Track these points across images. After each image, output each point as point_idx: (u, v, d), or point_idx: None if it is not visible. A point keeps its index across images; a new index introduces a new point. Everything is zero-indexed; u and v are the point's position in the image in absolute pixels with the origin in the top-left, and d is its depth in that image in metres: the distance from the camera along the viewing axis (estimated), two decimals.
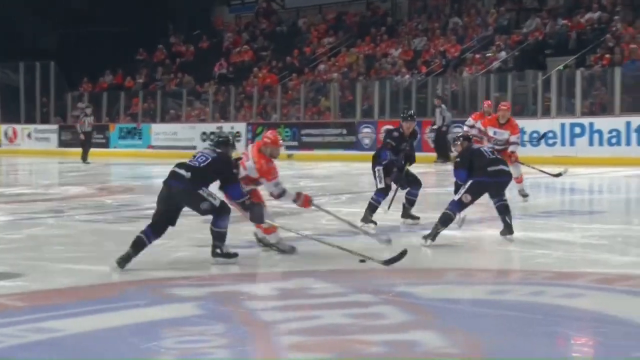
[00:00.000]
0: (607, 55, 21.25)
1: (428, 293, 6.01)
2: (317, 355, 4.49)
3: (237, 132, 26.35)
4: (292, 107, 26.63)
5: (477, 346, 4.65)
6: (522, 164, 11.83)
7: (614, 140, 18.64)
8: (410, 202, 9.52)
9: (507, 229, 7.99)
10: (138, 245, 6.91)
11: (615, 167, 16.78)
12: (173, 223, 7.06)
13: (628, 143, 18.57)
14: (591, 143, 18.97)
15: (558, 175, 11.94)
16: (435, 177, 16.67)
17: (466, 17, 26.80)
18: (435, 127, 21.42)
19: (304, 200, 7.51)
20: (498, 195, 8.03)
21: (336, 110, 25.49)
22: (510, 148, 11.16)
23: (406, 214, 9.53)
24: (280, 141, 7.62)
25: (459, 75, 23.80)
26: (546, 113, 20.62)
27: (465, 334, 4.86)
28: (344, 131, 24.15)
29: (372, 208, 9.33)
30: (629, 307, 5.46)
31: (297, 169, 20.59)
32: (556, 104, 20.69)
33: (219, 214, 7.10)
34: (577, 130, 19.07)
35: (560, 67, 21.69)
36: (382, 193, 9.34)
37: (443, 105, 21.23)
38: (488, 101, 15.31)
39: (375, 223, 9.20)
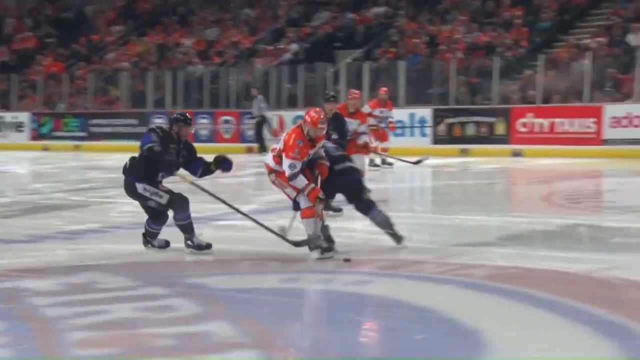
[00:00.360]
0: (392, 49, 22.07)
1: (221, 283, 6.01)
2: (105, 350, 4.37)
3: (21, 123, 25.25)
4: (80, 97, 25.81)
5: (268, 334, 4.69)
6: (380, 154, 11.74)
7: (398, 131, 19.38)
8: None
9: (397, 239, 7.22)
10: (150, 235, 7.05)
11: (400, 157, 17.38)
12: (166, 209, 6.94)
13: (412, 134, 19.40)
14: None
15: (418, 162, 11.91)
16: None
17: (258, 8, 26.99)
18: (255, 118, 21.32)
19: (311, 193, 6.77)
20: (368, 207, 7.30)
21: (127, 100, 24.94)
22: (363, 138, 10.83)
23: (327, 205, 9.13)
24: (320, 124, 6.88)
25: (252, 66, 23.94)
26: None
27: (257, 323, 4.89)
28: (135, 121, 23.67)
29: None
30: (413, 292, 5.69)
31: (85, 160, 20.00)
32: (345, 95, 21.23)
33: (173, 208, 6.85)
34: None
35: (349, 59, 22.29)
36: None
37: (260, 96, 21.26)
38: (384, 88, 15.56)
39: (340, 209, 8.70)
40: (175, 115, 7.06)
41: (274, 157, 6.97)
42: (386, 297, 5.58)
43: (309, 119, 6.87)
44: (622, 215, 9.05)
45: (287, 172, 6.78)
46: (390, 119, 15.50)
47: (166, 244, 7.15)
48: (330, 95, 9.39)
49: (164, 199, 6.85)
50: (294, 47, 24.02)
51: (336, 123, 9.01)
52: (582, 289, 5.54)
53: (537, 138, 17.94)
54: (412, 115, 19.45)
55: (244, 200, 9.99)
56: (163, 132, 6.92)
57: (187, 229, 6.95)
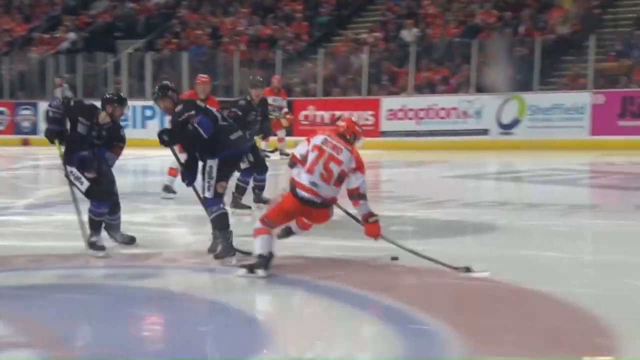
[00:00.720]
0: (175, 40, 21.85)
1: None
2: None
3: None
4: None
5: (45, 333, 4.52)
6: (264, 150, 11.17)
7: None
8: (260, 187, 8.83)
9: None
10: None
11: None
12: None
13: None
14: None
15: (273, 151, 11.43)
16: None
17: None
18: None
19: (376, 223, 5.97)
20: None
21: None
22: None
23: (259, 198, 8.82)
24: None
25: (27, 55, 22.94)
26: None
27: (33, 322, 4.70)
28: None
29: (241, 190, 8.64)
30: (199, 284, 5.67)
31: None
32: (127, 86, 20.82)
33: (90, 199, 6.37)
34: (148, 112, 19.37)
35: (130, 50, 21.86)
36: (248, 172, 8.59)
37: (65, 85, 20.28)
38: (277, 76, 15.44)
39: (249, 207, 8.59)
40: (107, 96, 6.72)
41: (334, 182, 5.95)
42: (169, 290, 5.53)
43: (360, 130, 6.18)
44: (399, 205, 9.44)
45: (362, 189, 5.97)
46: (284, 108, 15.47)
47: (130, 241, 6.75)
48: (258, 80, 9.23)
49: (84, 187, 6.44)
50: (72, 36, 23.24)
51: (263, 108, 9.12)
52: (362, 276, 5.73)
53: (319, 130, 18.35)
54: None
55: (20, 195, 9.57)
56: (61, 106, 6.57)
57: (93, 225, 6.51)
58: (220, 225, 6.19)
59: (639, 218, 8.11)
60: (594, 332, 4.43)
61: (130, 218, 7.79)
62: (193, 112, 6.25)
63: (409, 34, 19.54)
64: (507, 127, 16.72)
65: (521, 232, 7.56)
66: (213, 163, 6.21)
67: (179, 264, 6.30)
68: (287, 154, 15.23)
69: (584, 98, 16.19)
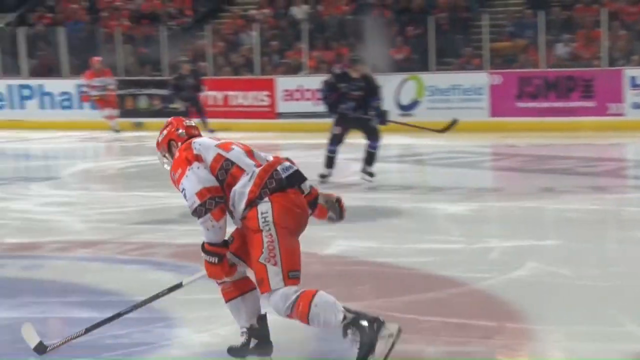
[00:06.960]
0: (49, 14, 21.27)
1: None
2: None
3: None
4: None
5: None
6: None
7: (66, 103, 18.78)
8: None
9: None
10: None
11: (68, 131, 16.90)
12: None
13: (80, 106, 18.68)
14: (42, 106, 18.87)
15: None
16: None
17: None
18: None
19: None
20: None
21: None
22: None
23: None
24: None
25: None
26: None
27: None
28: None
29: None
30: (92, 274, 5.63)
31: None
32: (0, 64, 20.20)
33: None
34: (26, 92, 18.84)
35: (0, 24, 21.24)
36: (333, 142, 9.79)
37: None
38: (96, 58, 16.73)
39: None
40: None
41: None
42: (63, 281, 5.46)
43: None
44: None
45: None
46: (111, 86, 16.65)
47: None
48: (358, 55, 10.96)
49: None
50: None
51: (367, 84, 9.69)
52: None
53: (212, 111, 18.12)
54: (78, 86, 18.76)
55: None
56: None
57: None
58: None
59: (542, 201, 8.39)
60: (503, 317, 4.60)
61: (11, 205, 7.66)
62: None
63: (299, 11, 19.57)
64: (406, 109, 16.96)
65: (427, 217, 7.75)
66: None
67: (71, 253, 6.23)
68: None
69: (482, 79, 16.55)
